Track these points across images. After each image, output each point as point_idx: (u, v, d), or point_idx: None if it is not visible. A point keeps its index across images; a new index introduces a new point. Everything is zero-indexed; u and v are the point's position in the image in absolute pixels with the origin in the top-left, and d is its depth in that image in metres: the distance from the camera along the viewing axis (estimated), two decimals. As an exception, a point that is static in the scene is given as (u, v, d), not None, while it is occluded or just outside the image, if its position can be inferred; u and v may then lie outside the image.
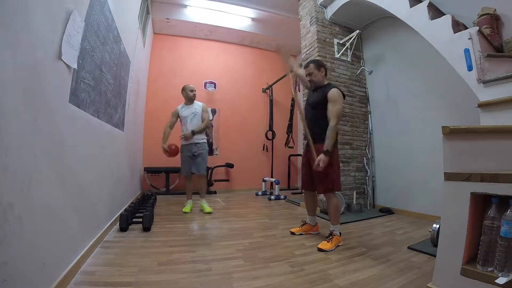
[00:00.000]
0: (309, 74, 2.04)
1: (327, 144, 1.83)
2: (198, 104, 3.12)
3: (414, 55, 2.98)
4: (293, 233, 2.18)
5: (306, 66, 2.09)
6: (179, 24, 4.75)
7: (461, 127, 1.13)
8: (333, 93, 1.90)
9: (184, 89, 3.10)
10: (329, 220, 2.12)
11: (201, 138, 3.06)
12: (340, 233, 1.95)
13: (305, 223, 2.24)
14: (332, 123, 1.85)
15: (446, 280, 1.10)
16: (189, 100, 3.09)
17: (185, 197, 3.25)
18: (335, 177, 1.95)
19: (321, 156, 1.82)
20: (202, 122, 3.06)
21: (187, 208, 3.00)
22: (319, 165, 1.82)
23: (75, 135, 1.38)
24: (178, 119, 3.14)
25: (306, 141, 2.12)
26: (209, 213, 2.92)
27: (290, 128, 5.07)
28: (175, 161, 4.91)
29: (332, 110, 1.87)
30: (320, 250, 1.78)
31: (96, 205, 1.79)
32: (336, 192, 1.99)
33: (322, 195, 2.97)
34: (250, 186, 5.17)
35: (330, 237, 1.88)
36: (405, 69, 3.14)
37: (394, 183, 3.21)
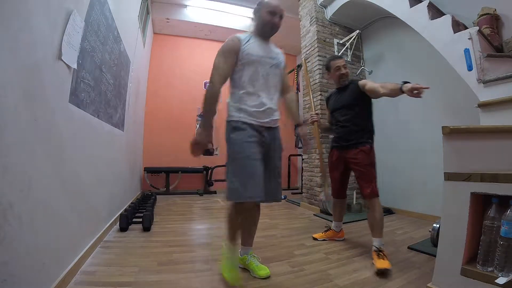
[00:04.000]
0: (344, 67, 1.87)
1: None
2: (279, 50, 1.47)
3: (414, 55, 2.97)
4: (315, 239, 2.06)
5: (340, 58, 1.94)
6: (179, 24, 4.75)
7: (461, 127, 1.13)
8: (361, 80, 1.83)
9: (260, 5, 1.38)
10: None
11: (278, 114, 1.42)
12: None
13: (329, 229, 2.09)
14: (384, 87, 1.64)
15: (446, 280, 1.10)
16: (263, 32, 1.38)
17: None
18: (376, 178, 1.74)
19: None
20: (285, 88, 1.49)
21: (233, 275, 1.27)
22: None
23: (75, 135, 1.38)
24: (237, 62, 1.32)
25: (334, 145, 1.93)
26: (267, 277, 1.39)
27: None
28: (175, 161, 4.97)
29: (375, 83, 1.72)
30: (382, 270, 1.43)
31: (96, 205, 1.79)
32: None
33: (324, 196, 2.97)
34: (250, 186, 5.16)
35: (382, 253, 1.55)
36: (405, 69, 3.14)
37: (394, 183, 3.21)
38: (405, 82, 1.43)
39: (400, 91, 1.45)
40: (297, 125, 1.51)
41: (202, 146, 1.28)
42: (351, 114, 1.82)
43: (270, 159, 1.35)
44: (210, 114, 1.29)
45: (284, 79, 1.49)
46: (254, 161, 1.24)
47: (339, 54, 3.42)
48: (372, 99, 1.82)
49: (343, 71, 1.87)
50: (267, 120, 1.33)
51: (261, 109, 1.31)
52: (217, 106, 1.30)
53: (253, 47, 1.32)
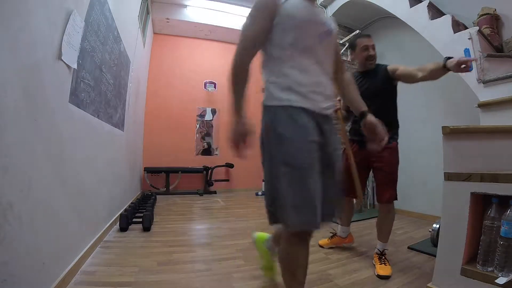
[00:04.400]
0: (372, 47, 1.61)
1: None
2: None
3: (414, 55, 2.97)
4: (321, 246, 1.87)
5: (368, 36, 1.67)
6: (179, 24, 4.75)
7: (461, 127, 1.13)
8: (390, 65, 1.60)
9: None
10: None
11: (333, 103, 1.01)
12: None
13: (335, 234, 1.87)
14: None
15: (446, 280, 1.10)
16: None
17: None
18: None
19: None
20: (339, 65, 1.11)
21: (275, 271, 1.31)
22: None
23: (75, 135, 1.38)
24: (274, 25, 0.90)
25: (354, 139, 1.69)
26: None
27: None
28: (175, 161, 4.98)
29: (409, 67, 1.50)
30: (382, 277, 1.38)
31: (96, 205, 1.79)
32: None
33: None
34: (250, 186, 5.16)
35: (384, 257, 1.50)
36: (405, 69, 3.14)
37: (394, 183, 3.21)
38: (448, 58, 1.25)
39: (444, 69, 1.26)
40: (362, 114, 1.03)
41: (243, 137, 0.87)
42: (377, 104, 1.36)
43: (329, 162, 0.89)
44: (238, 96, 0.89)
45: (338, 53, 1.11)
46: (312, 173, 0.82)
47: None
48: (397, 87, 1.61)
49: (372, 52, 1.60)
50: (327, 104, 0.92)
51: (318, 89, 0.89)
52: (246, 85, 0.90)
53: (296, 6, 0.89)
